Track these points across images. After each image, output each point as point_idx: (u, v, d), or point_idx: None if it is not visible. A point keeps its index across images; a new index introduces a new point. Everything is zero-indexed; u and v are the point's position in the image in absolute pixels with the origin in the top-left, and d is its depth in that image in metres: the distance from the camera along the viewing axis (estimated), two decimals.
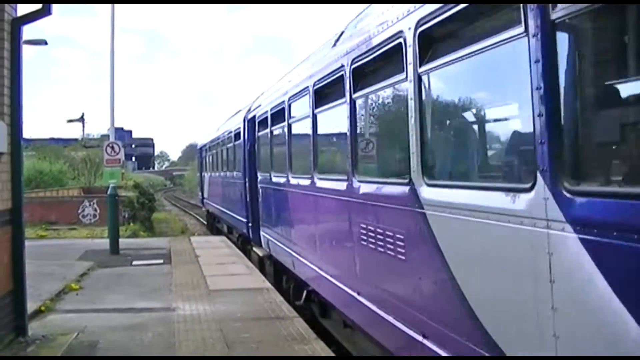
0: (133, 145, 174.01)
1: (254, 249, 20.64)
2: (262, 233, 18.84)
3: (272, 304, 13.84)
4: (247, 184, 21.14)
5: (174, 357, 9.53)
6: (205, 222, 52.60)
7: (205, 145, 39.71)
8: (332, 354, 10.29)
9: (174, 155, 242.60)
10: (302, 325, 11.98)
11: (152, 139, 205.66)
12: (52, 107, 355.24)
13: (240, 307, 13.55)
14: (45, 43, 32.34)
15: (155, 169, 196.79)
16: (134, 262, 20.58)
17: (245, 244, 23.71)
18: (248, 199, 20.96)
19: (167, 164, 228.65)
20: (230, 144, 26.33)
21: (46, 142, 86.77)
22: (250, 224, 20.98)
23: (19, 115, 10.94)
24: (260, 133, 18.96)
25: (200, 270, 18.41)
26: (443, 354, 6.49)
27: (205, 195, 39.96)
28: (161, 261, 20.66)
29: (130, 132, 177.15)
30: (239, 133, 23.21)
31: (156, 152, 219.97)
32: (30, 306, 12.05)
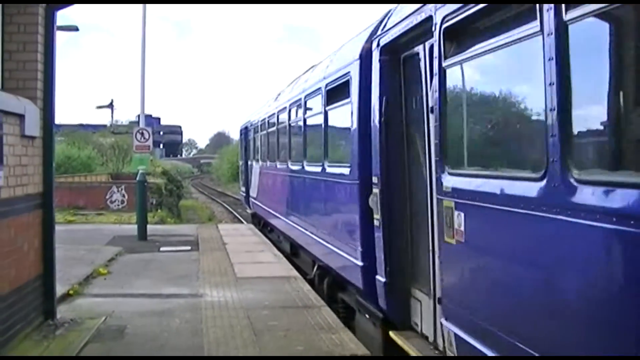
0: (161, 133, 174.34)
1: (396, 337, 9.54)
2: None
3: (300, 292, 13.83)
4: (361, 190, 10.76)
5: (184, 357, 9.49)
6: (232, 210, 52.62)
7: (254, 123, 28.45)
8: (361, 344, 10.26)
9: (202, 143, 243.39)
10: (329, 315, 11.95)
11: (180, 127, 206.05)
12: (82, 93, 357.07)
13: (268, 295, 13.54)
14: (77, 29, 32.60)
15: (183, 156, 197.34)
16: (162, 249, 20.64)
17: (350, 310, 12.60)
18: (363, 220, 10.64)
19: (194, 151, 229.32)
20: (315, 114, 14.87)
21: (75, 128, 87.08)
22: (374, 273, 10.22)
23: (52, 100, 10.98)
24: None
25: (228, 258, 18.44)
26: None
27: (254, 194, 28.11)
28: (189, 248, 20.71)
29: (159, 119, 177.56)
30: (344, 87, 12.05)
31: (184, 140, 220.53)
32: (59, 290, 12.13)
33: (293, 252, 18.95)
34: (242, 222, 38.66)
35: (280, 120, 20.61)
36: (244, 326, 11.10)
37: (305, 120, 16.10)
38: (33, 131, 10.37)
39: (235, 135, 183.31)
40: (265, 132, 24.40)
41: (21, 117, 9.90)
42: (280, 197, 20.04)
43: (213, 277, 15.52)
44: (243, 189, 33.76)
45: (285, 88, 21.88)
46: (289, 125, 18.53)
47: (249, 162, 30.79)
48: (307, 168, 15.38)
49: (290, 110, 18.55)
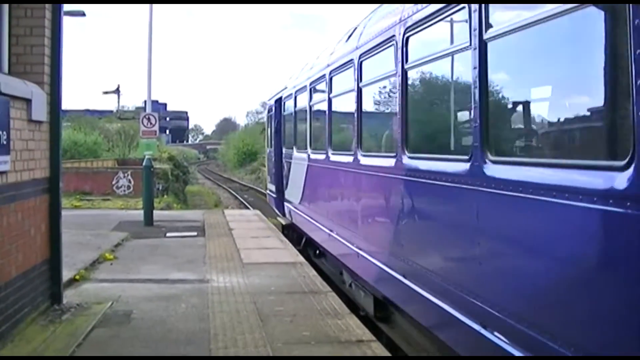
0: (167, 118, 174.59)
1: None
2: None
3: (306, 278, 13.84)
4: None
5: (188, 357, 9.50)
6: (238, 195, 52.61)
7: (299, 90, 19.43)
8: (367, 330, 10.27)
9: (208, 129, 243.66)
10: (335, 300, 11.96)
11: (186, 112, 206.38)
12: (88, 78, 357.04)
13: (274, 281, 13.56)
14: (84, 14, 32.55)
15: (189, 142, 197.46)
16: (168, 234, 20.66)
17: None
18: None
19: (201, 137, 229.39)
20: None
21: (82, 113, 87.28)
22: None
23: (59, 84, 10.97)
24: None
25: (234, 243, 18.45)
26: None
27: (295, 198, 19.86)
28: (195, 233, 20.72)
29: (165, 105, 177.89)
30: None
31: (190, 126, 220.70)
32: (66, 275, 12.13)
33: (380, 312, 11.93)
34: (248, 208, 38.69)
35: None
36: (250, 311, 11.11)
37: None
38: (40, 116, 10.37)
39: (241, 121, 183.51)
40: (325, 103, 15.20)
41: (28, 101, 9.89)
42: (361, 212, 12.05)
43: (219, 262, 15.53)
44: (272, 187, 24.67)
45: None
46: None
47: (285, 150, 21.97)
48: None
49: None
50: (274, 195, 23.96)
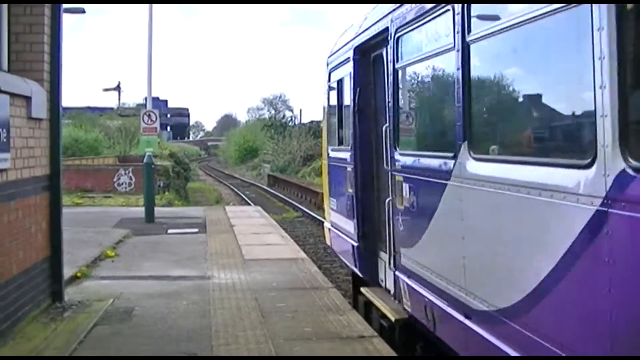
0: (168, 115, 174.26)
1: None
2: None
3: (307, 274, 13.84)
4: None
5: (198, 356, 9.48)
6: (239, 192, 52.61)
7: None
8: (369, 326, 10.26)
9: (209, 125, 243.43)
10: (337, 296, 11.96)
11: (187, 109, 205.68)
12: (89, 75, 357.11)
13: (276, 277, 13.55)
14: (83, 11, 32.47)
15: (190, 139, 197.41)
16: (169, 231, 20.66)
17: None
18: None
19: (202, 134, 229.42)
20: None
21: (82, 110, 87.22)
22: None
23: (59, 81, 10.97)
24: None
25: (236, 240, 18.45)
26: None
27: (419, 255, 8.81)
28: (196, 230, 20.72)
29: (166, 101, 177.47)
30: None
31: (191, 122, 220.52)
32: (67, 272, 12.13)
33: None
34: (249, 205, 38.69)
35: None
36: (252, 308, 11.10)
37: None
38: (40, 113, 10.36)
39: (242, 117, 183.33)
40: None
41: (28, 99, 9.88)
42: None
43: (221, 259, 15.53)
44: (347, 225, 12.84)
45: None
46: None
47: (399, 154, 9.74)
48: None
49: None
50: (355, 243, 12.13)
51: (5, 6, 10.16)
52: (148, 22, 25.86)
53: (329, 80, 14.41)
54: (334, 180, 14.08)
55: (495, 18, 6.58)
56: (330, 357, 8.88)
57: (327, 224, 15.12)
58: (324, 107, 15.08)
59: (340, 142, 13.34)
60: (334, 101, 14.06)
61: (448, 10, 7.45)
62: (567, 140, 5.85)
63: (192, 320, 10.38)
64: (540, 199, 5.54)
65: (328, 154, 14.50)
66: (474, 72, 7.20)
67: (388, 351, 9.13)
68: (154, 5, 26.38)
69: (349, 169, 12.28)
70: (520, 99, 6.82)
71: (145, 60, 25.76)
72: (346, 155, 12.46)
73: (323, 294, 12.09)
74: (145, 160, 23.76)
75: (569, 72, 5.60)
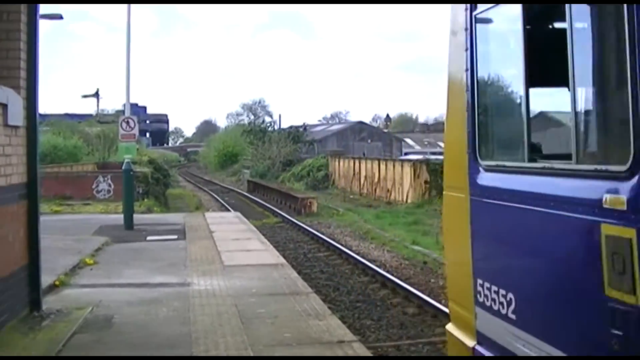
0: (147, 121, 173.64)
1: None
2: None
3: (287, 279, 13.83)
4: None
5: (187, 357, 9.44)
6: (219, 198, 52.59)
7: None
8: (348, 330, 10.27)
9: (189, 131, 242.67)
10: (317, 301, 11.98)
11: (166, 115, 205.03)
12: (67, 82, 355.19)
13: (256, 283, 13.53)
14: (61, 17, 32.31)
15: (170, 145, 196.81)
16: (149, 238, 20.59)
17: None
18: None
19: (181, 140, 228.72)
20: None
21: (61, 117, 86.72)
22: None
23: (35, 89, 10.90)
24: None
25: (215, 246, 18.41)
26: None
27: None
28: (176, 237, 20.66)
29: (145, 108, 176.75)
30: None
31: (171, 128, 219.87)
32: (45, 280, 12.04)
33: None
34: (229, 211, 38.63)
35: None
36: (232, 314, 11.08)
37: None
38: (16, 120, 10.29)
39: (221, 123, 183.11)
40: None
41: (4, 106, 9.82)
42: None
43: (201, 265, 15.49)
44: (495, 302, 6.18)
45: None
46: None
47: None
48: None
49: None
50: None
51: None
52: (126, 27, 25.73)
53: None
54: (499, 242, 6.41)
55: None
56: (313, 357, 8.92)
57: (458, 332, 7.19)
58: (465, 80, 6.84)
59: (534, 150, 6.00)
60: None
61: None
62: None
63: (172, 328, 10.34)
64: None
65: (474, 178, 6.68)
66: None
67: (368, 355, 9.15)
68: (132, 12, 26.26)
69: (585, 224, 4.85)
70: None
71: (124, 67, 25.63)
72: (573, 184, 5.10)
73: (303, 299, 12.09)
74: (124, 167, 23.69)
75: None
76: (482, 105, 6.63)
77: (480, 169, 6.47)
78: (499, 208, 6.11)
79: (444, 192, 7.66)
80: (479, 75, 6.62)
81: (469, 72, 6.70)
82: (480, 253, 6.58)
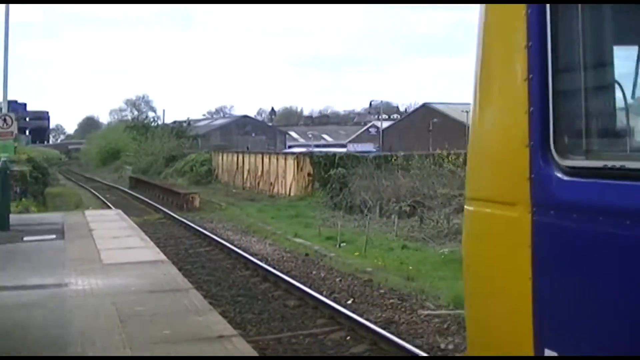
0: (27, 119, 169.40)
1: None
2: None
3: (167, 276, 13.80)
4: None
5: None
6: (100, 195, 51.81)
7: None
8: (229, 325, 10.33)
9: (71, 128, 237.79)
10: (197, 297, 12.01)
11: (47, 112, 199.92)
12: None
13: (135, 280, 13.44)
14: None
15: (51, 142, 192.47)
16: (25, 238, 20.09)
17: None
18: None
19: (62, 137, 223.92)
20: None
21: None
22: None
23: None
24: None
25: (95, 244, 18.18)
26: None
27: None
28: (54, 236, 20.25)
29: (25, 104, 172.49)
30: None
31: (52, 126, 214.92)
32: None
33: None
34: (110, 208, 38.12)
35: None
36: (110, 312, 10.98)
37: None
38: None
39: (104, 119, 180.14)
40: None
41: None
42: None
43: (79, 265, 15.25)
44: None
45: None
46: None
47: None
48: None
49: None
50: None
51: None
52: (4, 22, 25.05)
53: None
54: (594, 293, 3.68)
55: None
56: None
57: None
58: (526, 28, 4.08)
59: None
60: None
61: None
62: None
63: (50, 330, 10.18)
64: None
65: (543, 186, 3.99)
66: None
67: (248, 350, 9.23)
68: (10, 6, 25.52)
69: None
70: None
71: (1, 63, 24.94)
72: None
73: (183, 295, 12.09)
74: (0, 166, 23.08)
75: None
76: (566, 68, 3.96)
77: (557, 171, 3.87)
78: (595, 236, 3.62)
79: (466, 207, 4.97)
80: (560, 14, 3.90)
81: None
82: (553, 309, 3.88)
